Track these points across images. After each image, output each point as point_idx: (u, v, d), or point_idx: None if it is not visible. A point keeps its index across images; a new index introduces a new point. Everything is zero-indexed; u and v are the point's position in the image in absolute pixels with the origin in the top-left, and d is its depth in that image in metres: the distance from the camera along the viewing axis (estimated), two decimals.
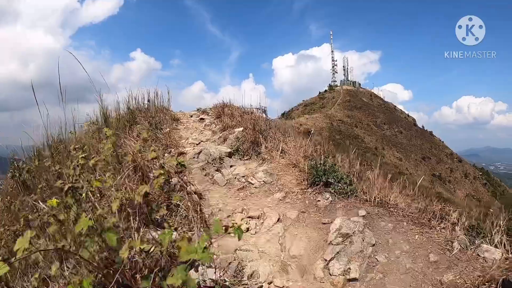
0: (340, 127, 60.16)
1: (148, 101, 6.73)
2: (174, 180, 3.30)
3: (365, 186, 3.60)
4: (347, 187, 3.50)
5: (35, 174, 3.52)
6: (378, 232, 2.84)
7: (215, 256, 2.32)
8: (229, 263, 2.33)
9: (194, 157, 4.59)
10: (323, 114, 63.28)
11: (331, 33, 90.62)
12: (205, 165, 4.39)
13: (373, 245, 2.64)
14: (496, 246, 2.74)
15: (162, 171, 3.01)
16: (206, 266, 2.03)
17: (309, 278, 2.41)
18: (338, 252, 2.48)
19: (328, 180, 3.59)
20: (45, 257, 2.04)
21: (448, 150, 72.70)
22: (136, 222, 2.22)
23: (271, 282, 2.33)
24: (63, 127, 3.85)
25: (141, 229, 2.21)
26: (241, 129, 5.35)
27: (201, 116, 7.30)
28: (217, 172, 4.31)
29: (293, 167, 4.37)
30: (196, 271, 1.90)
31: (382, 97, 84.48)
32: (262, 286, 2.29)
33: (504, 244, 2.72)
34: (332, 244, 2.58)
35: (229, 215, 3.25)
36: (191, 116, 7.56)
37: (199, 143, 5.47)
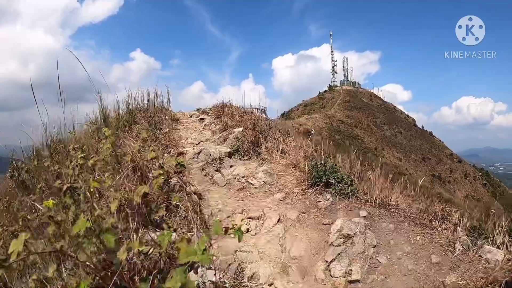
0: (340, 127, 60.16)
1: (148, 101, 6.71)
2: (174, 180, 3.28)
3: (366, 187, 3.58)
4: (348, 188, 3.48)
5: (34, 174, 3.50)
6: (379, 233, 2.82)
7: (214, 258, 2.29)
8: (229, 265, 2.31)
9: (193, 157, 4.56)
10: (323, 115, 63.29)
11: (331, 33, 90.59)
12: (205, 165, 4.37)
13: (375, 246, 2.61)
14: (498, 247, 2.71)
15: (161, 171, 2.99)
16: (206, 268, 2.00)
17: (310, 280, 2.38)
18: (339, 254, 2.45)
19: (329, 180, 3.57)
20: (43, 258, 2.01)
21: (447, 151, 72.73)
22: (135, 223, 2.19)
23: (271, 284, 2.30)
24: (62, 127, 3.84)
25: (140, 230, 2.18)
26: (241, 129, 5.32)
27: (200, 116, 7.27)
28: (216, 172, 4.28)
29: (294, 167, 4.34)
30: (196, 273, 1.87)
31: (381, 97, 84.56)
32: None
33: (507, 245, 2.69)
34: (333, 245, 2.56)
35: (229, 216, 3.23)
36: (191, 116, 7.53)
37: (199, 143, 5.44)
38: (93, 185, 1.93)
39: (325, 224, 2.99)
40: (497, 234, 2.90)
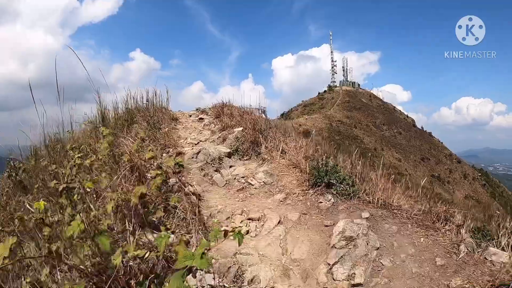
0: (340, 127, 60.13)
1: (147, 100, 6.65)
2: (172, 180, 3.22)
3: (367, 187, 3.52)
4: (350, 188, 3.42)
5: (32, 174, 3.45)
6: (382, 234, 2.76)
7: (213, 261, 2.23)
8: (229, 268, 2.24)
9: (192, 157, 4.50)
10: (323, 115, 63.26)
11: (330, 33, 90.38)
12: (204, 166, 4.30)
13: (378, 248, 2.55)
14: (503, 249, 2.66)
15: (159, 172, 2.93)
16: (205, 272, 1.94)
17: (312, 283, 2.31)
18: (342, 256, 2.39)
19: (330, 181, 3.51)
20: (38, 259, 1.94)
21: (447, 151, 72.77)
22: (132, 225, 2.13)
23: None
24: (60, 127, 3.81)
25: (137, 232, 2.12)
26: (240, 129, 5.26)
27: (200, 116, 7.21)
28: (216, 173, 4.22)
29: (294, 167, 4.28)
30: (194, 277, 1.81)
31: (381, 97, 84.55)
32: None
33: None
34: (336, 248, 2.49)
35: (229, 217, 3.16)
36: (190, 116, 7.47)
37: (198, 143, 5.38)
38: (87, 185, 1.86)
39: (326, 226, 2.92)
40: (501, 236, 2.84)
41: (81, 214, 1.86)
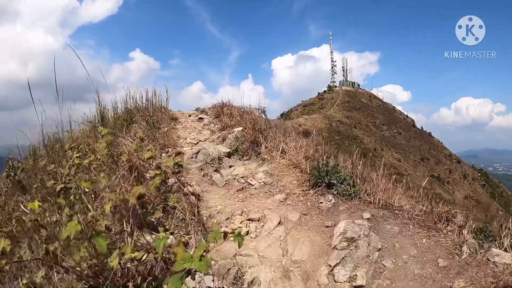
0: (339, 127, 60.11)
1: (146, 100, 6.62)
2: (171, 180, 3.18)
3: (368, 188, 3.49)
4: (351, 189, 3.39)
5: (31, 173, 3.43)
6: (384, 235, 2.72)
7: (213, 262, 2.19)
8: (228, 269, 2.20)
9: (192, 157, 4.46)
10: (322, 115, 63.23)
11: (330, 34, 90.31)
12: (204, 166, 4.27)
13: (379, 249, 2.51)
14: (506, 250, 2.63)
15: (158, 172, 2.89)
16: (204, 273, 1.91)
17: (313, 285, 2.28)
18: (343, 258, 2.35)
19: (331, 181, 3.47)
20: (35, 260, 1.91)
21: (447, 151, 72.78)
22: (130, 226, 2.10)
23: None
24: (59, 126, 3.80)
25: (135, 233, 2.08)
26: (240, 128, 5.23)
27: (199, 116, 7.17)
28: (215, 173, 4.19)
29: (294, 167, 4.25)
30: (193, 279, 1.78)
31: (381, 98, 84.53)
32: None
33: None
34: (337, 249, 2.46)
35: (228, 218, 3.12)
36: (190, 116, 7.43)
37: (198, 142, 5.34)
38: (83, 185, 1.83)
39: (327, 227, 2.89)
40: (504, 236, 2.81)
41: (78, 214, 1.83)
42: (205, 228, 2.69)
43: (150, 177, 3.07)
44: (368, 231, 2.66)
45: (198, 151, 4.53)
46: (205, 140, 5.42)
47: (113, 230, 2.04)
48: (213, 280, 1.93)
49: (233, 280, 2.15)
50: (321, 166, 3.62)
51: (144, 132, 4.60)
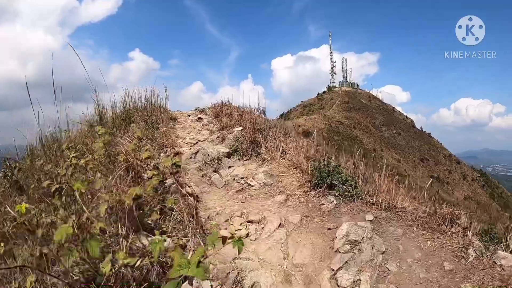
0: (339, 128, 60.06)
1: (146, 100, 6.56)
2: (169, 181, 3.11)
3: (371, 189, 3.42)
4: (353, 190, 3.32)
5: (28, 173, 3.38)
6: (387, 238, 2.65)
7: (211, 266, 2.12)
8: (228, 274, 2.13)
9: (191, 157, 4.39)
10: (322, 115, 63.19)
11: (330, 34, 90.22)
12: (202, 166, 4.19)
13: (383, 252, 2.44)
14: None
15: (156, 172, 2.82)
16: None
17: None
18: (346, 261, 2.27)
19: (333, 182, 3.40)
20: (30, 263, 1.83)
21: (446, 152, 72.79)
22: (125, 228, 2.02)
23: None
24: (57, 126, 3.76)
25: (131, 236, 2.00)
26: (240, 128, 5.15)
27: (199, 116, 7.09)
28: (214, 173, 4.11)
29: (295, 168, 4.17)
30: (190, 284, 1.70)
31: (380, 98, 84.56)
32: None
33: None
34: (340, 252, 2.38)
35: (227, 219, 3.05)
36: (189, 116, 7.36)
37: (197, 142, 5.26)
38: (76, 187, 1.75)
39: (329, 229, 2.81)
40: (510, 239, 2.75)
41: (72, 216, 1.76)
42: (203, 230, 2.61)
43: (147, 177, 3.00)
44: (372, 233, 2.59)
45: (197, 151, 4.46)
46: (204, 140, 5.35)
47: (108, 232, 1.97)
48: (211, 285, 1.86)
49: (232, 285, 2.07)
50: (322, 167, 3.55)
51: (142, 132, 4.53)
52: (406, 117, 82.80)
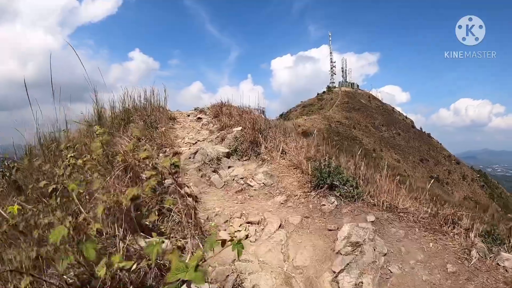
0: (339, 128, 60.03)
1: (145, 99, 6.52)
2: (168, 181, 3.06)
3: (372, 189, 3.38)
4: (354, 190, 3.28)
5: (27, 173, 3.34)
6: (389, 239, 2.61)
7: (210, 268, 2.07)
8: (227, 276, 2.08)
9: (190, 157, 4.34)
10: (321, 116, 63.14)
11: (329, 34, 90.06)
12: (202, 166, 4.14)
13: (385, 254, 2.40)
14: None
15: (154, 172, 2.77)
16: None
17: None
18: (348, 264, 2.23)
19: (333, 182, 3.36)
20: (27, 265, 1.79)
21: (446, 152, 72.80)
22: (123, 230, 1.98)
23: None
24: (55, 126, 3.73)
25: (128, 237, 1.96)
26: (239, 128, 5.11)
27: (198, 116, 7.05)
28: (214, 173, 4.07)
29: (295, 168, 4.13)
30: (189, 287, 1.66)
31: (380, 98, 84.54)
32: None
33: None
34: (341, 254, 2.34)
35: (227, 221, 3.00)
36: (188, 116, 7.32)
37: (196, 142, 5.22)
38: (71, 187, 1.71)
39: (330, 230, 2.77)
40: None
41: (69, 217, 1.72)
42: (202, 231, 2.57)
43: (145, 178, 2.96)
44: (373, 235, 2.55)
45: (196, 151, 4.41)
46: (203, 140, 5.30)
47: (104, 234, 1.93)
48: None
49: (232, 287, 2.03)
50: (323, 167, 3.51)
51: (141, 132, 4.49)
52: (406, 117, 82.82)
